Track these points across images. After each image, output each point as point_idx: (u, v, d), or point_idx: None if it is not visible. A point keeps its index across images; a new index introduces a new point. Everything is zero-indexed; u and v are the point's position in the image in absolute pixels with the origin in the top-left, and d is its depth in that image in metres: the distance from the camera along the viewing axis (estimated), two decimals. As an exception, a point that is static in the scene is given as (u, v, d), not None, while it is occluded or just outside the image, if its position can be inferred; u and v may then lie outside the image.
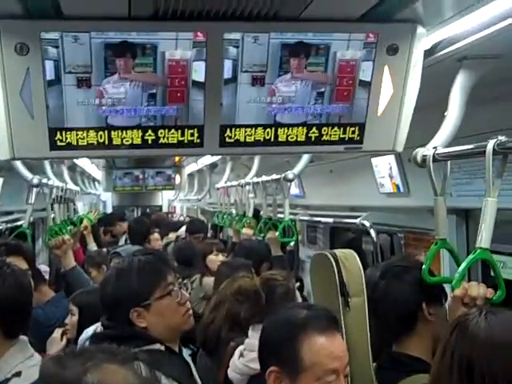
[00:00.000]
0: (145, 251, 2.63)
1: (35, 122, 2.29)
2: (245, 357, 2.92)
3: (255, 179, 5.73)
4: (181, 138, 2.43)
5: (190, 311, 2.50)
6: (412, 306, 2.34)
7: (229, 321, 3.38)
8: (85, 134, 2.35)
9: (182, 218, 12.85)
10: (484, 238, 2.03)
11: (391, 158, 4.42)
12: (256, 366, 2.65)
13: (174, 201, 16.18)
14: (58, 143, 2.34)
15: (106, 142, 2.38)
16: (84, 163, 8.89)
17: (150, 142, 2.41)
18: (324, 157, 5.67)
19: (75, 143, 2.36)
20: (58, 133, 2.33)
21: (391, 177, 4.52)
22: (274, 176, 5.01)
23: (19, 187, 6.22)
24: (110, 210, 15.96)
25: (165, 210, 17.38)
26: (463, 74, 2.41)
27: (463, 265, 2.11)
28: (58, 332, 3.50)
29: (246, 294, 3.34)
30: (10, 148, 2.30)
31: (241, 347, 3.01)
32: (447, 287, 2.35)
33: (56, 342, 3.43)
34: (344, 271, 2.38)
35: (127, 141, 2.39)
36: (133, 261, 2.45)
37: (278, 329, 2.01)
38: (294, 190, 6.91)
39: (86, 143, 2.37)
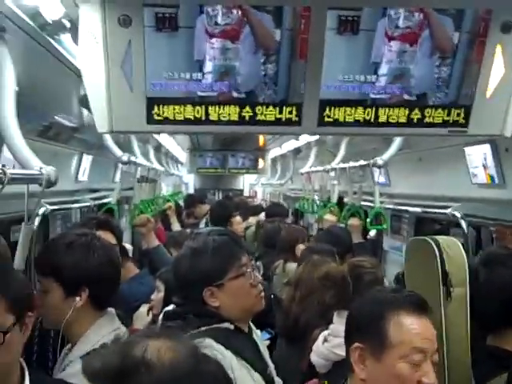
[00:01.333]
0: (219, 231, 2.61)
1: (134, 95, 2.29)
2: (329, 342, 2.88)
3: (341, 165, 5.63)
4: (279, 116, 2.39)
5: (262, 293, 2.48)
6: None
7: (320, 309, 3.35)
8: (182, 109, 2.34)
9: (262, 203, 12.84)
10: None
11: (486, 148, 4.25)
12: (340, 351, 2.60)
13: (255, 185, 16.21)
14: (155, 117, 2.34)
15: (203, 118, 2.36)
16: (169, 144, 8.99)
17: (247, 118, 2.37)
18: (412, 145, 5.52)
19: (172, 117, 2.35)
20: (156, 106, 2.32)
21: (485, 167, 4.35)
22: (362, 162, 4.89)
23: (106, 166, 6.35)
24: (191, 192, 16.11)
25: (246, 194, 17.43)
26: None
27: None
28: (144, 307, 3.54)
29: (333, 279, 3.29)
30: (109, 121, 2.31)
31: (325, 332, 2.97)
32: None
33: (142, 316, 3.47)
34: (447, 259, 2.28)
35: (224, 116, 2.37)
36: (207, 240, 2.43)
37: (366, 306, 1.97)
38: (380, 178, 6.78)
39: (182, 118, 2.36)
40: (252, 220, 8.50)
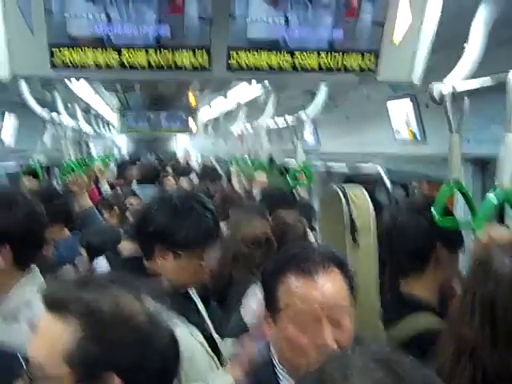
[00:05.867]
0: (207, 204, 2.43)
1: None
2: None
3: (268, 121, 5.57)
4: (193, 60, 2.33)
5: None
6: (426, 244, 2.23)
7: (238, 264, 3.33)
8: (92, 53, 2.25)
9: (195, 165, 12.78)
10: (505, 176, 1.92)
11: (408, 105, 4.29)
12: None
13: (188, 148, 16.07)
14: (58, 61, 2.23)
15: (115, 63, 2.29)
16: (97, 105, 8.80)
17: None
18: (339, 104, 5.53)
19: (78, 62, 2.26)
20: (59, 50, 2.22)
21: (408, 124, 4.41)
22: (287, 117, 4.86)
23: (34, 127, 6.18)
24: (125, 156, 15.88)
25: (179, 157, 17.25)
26: (485, 7, 2.25)
27: (484, 206, 1.99)
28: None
29: (257, 241, 3.28)
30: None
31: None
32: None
33: (69, 273, 3.45)
34: (353, 208, 2.29)
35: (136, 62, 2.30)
36: (195, 207, 2.31)
37: (268, 268, 1.92)
38: (309, 137, 6.79)
39: (92, 63, 2.27)
40: (183, 181, 8.48)
